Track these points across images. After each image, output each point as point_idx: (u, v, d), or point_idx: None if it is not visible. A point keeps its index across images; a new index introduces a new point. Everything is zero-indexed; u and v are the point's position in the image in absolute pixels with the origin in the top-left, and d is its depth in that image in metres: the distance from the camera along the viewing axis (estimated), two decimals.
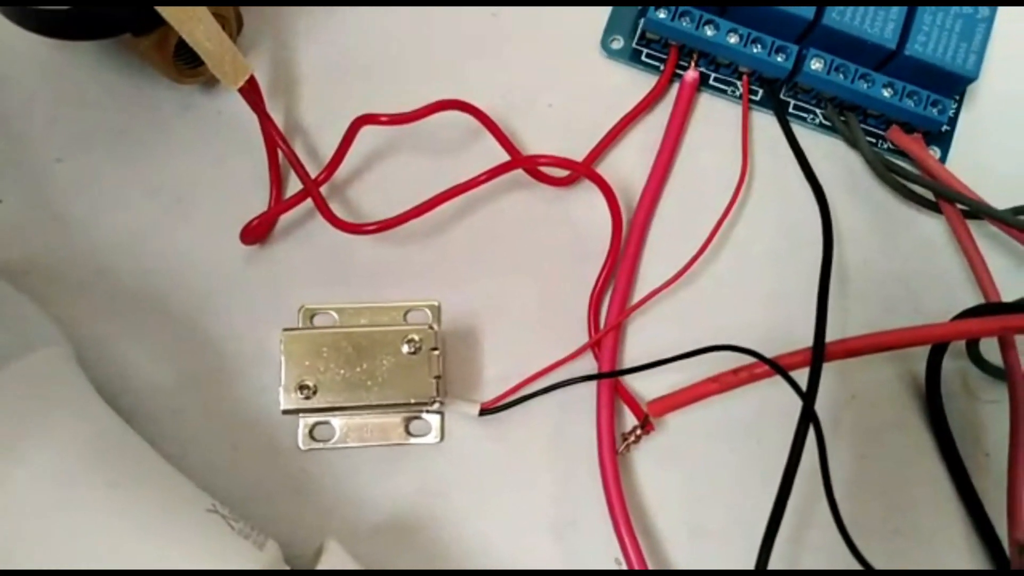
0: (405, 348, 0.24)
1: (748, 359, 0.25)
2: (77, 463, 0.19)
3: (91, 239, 0.27)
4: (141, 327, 0.26)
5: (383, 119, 0.25)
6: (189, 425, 0.26)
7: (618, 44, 0.29)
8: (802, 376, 0.24)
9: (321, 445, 0.26)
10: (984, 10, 0.27)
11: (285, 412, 0.24)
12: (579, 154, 0.28)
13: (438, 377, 0.24)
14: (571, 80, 0.29)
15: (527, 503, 0.26)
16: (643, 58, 0.29)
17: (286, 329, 0.24)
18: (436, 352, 0.24)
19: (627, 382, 0.27)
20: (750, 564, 0.26)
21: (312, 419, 0.26)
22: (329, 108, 0.28)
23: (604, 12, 0.29)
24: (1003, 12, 0.28)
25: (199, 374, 0.26)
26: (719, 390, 0.24)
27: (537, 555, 0.26)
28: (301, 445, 0.26)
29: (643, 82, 0.29)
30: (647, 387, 0.27)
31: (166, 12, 0.23)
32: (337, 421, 0.26)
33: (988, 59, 0.27)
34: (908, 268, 0.28)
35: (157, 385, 0.26)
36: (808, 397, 0.22)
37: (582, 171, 0.26)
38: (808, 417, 0.21)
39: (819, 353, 0.23)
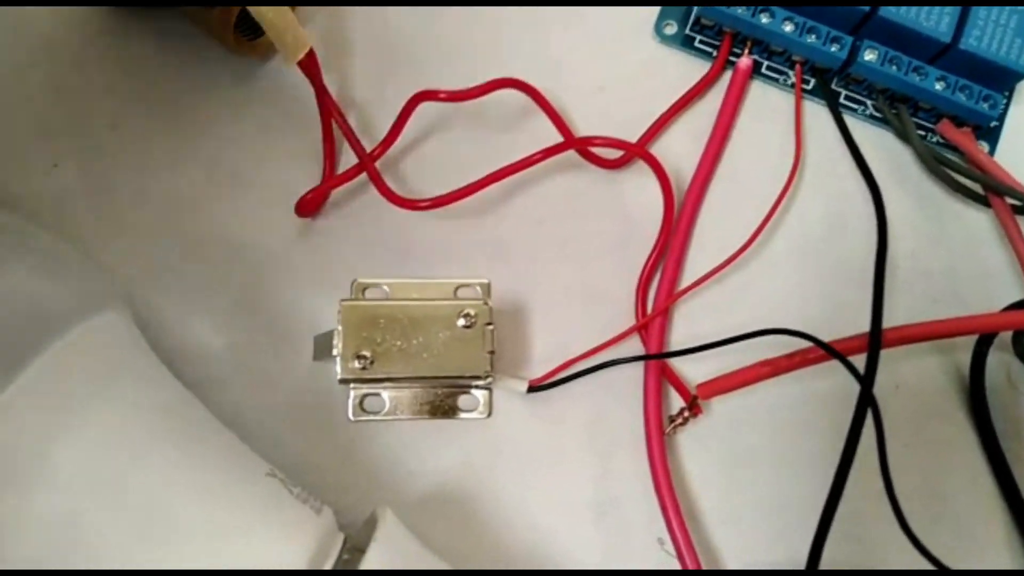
0: (460, 322, 0.24)
1: (799, 344, 0.25)
2: (143, 427, 0.20)
3: (145, 207, 0.27)
4: (194, 296, 0.27)
5: (442, 95, 0.25)
6: (240, 394, 0.26)
7: (671, 30, 0.29)
8: (854, 364, 0.24)
9: (370, 417, 0.26)
10: None
11: (342, 381, 0.24)
12: (629, 138, 0.28)
13: (492, 352, 0.25)
14: (623, 64, 0.29)
15: (571, 480, 0.27)
16: (696, 44, 0.29)
17: (344, 300, 0.25)
18: (491, 327, 0.25)
19: (673, 366, 0.27)
20: (792, 551, 0.26)
21: (363, 390, 0.26)
22: (382, 85, 0.28)
23: None
24: None
25: (251, 344, 0.26)
26: (771, 374, 0.24)
27: (579, 532, 0.26)
28: (351, 416, 0.26)
29: (695, 68, 0.29)
30: (691, 372, 0.27)
31: None
32: (387, 393, 0.27)
33: None
34: (955, 261, 0.29)
35: (210, 353, 0.26)
36: (866, 382, 0.22)
37: (636, 152, 0.26)
38: (866, 402, 0.21)
39: (876, 338, 0.23)
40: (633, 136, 0.28)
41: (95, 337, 0.20)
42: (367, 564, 0.20)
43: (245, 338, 0.27)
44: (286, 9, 0.25)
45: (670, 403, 0.27)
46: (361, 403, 0.27)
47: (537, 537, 0.26)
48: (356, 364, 0.24)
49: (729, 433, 0.27)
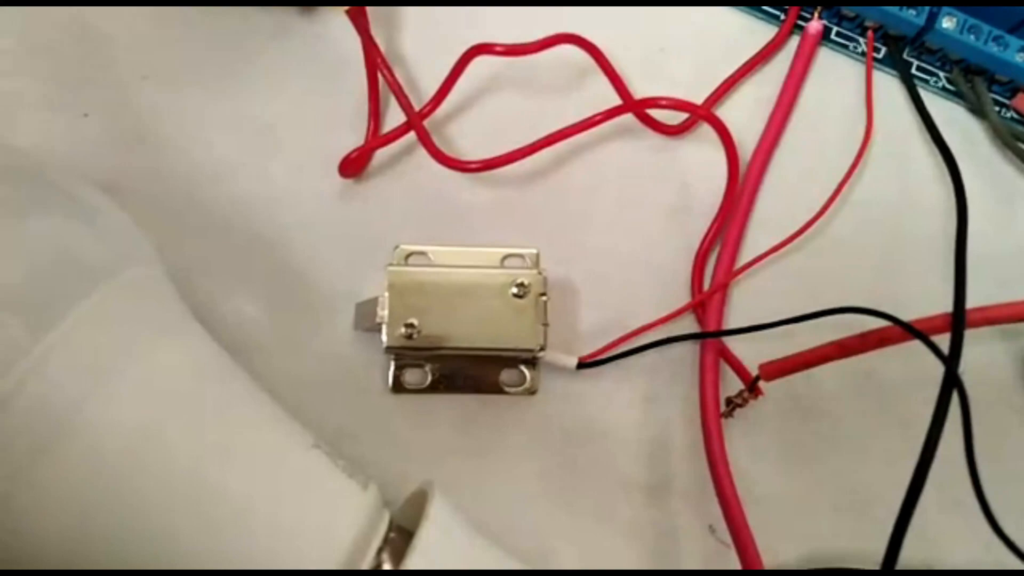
0: (512, 291, 0.23)
1: (867, 326, 0.23)
2: (181, 386, 0.18)
3: (179, 162, 0.26)
4: (230, 257, 0.25)
5: (498, 48, 0.24)
6: (276, 361, 0.25)
7: None
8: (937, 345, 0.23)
9: (412, 389, 0.25)
10: None
11: (388, 350, 0.23)
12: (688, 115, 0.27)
13: (545, 325, 0.23)
14: (686, 25, 0.28)
15: (620, 462, 0.25)
16: (763, 6, 0.27)
17: (391, 265, 0.23)
18: (544, 298, 0.23)
19: (730, 346, 0.26)
20: (854, 543, 0.25)
21: (404, 362, 0.25)
22: (432, 41, 0.27)
23: None
24: None
25: (290, 309, 0.25)
26: (841, 355, 0.23)
27: (628, 517, 0.25)
28: (391, 389, 0.25)
29: (761, 31, 0.28)
30: (748, 354, 0.26)
31: None
32: (428, 366, 0.25)
33: None
34: None
35: (245, 318, 0.25)
36: (952, 363, 0.20)
37: (702, 115, 0.24)
38: (952, 385, 0.20)
39: (960, 317, 0.21)
40: (694, 100, 0.27)
41: (130, 291, 0.19)
42: (421, 542, 0.19)
43: (281, 304, 0.25)
44: None
45: (727, 384, 0.26)
46: (401, 376, 0.25)
47: (583, 521, 0.25)
48: (403, 332, 0.23)
49: (789, 418, 0.26)
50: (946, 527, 0.26)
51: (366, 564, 0.19)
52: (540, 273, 0.23)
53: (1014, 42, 0.26)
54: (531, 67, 0.27)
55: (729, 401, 0.25)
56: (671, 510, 0.25)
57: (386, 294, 0.23)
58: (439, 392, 0.25)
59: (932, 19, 0.26)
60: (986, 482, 0.25)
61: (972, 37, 0.26)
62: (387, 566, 0.19)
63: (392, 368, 0.25)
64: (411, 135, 0.25)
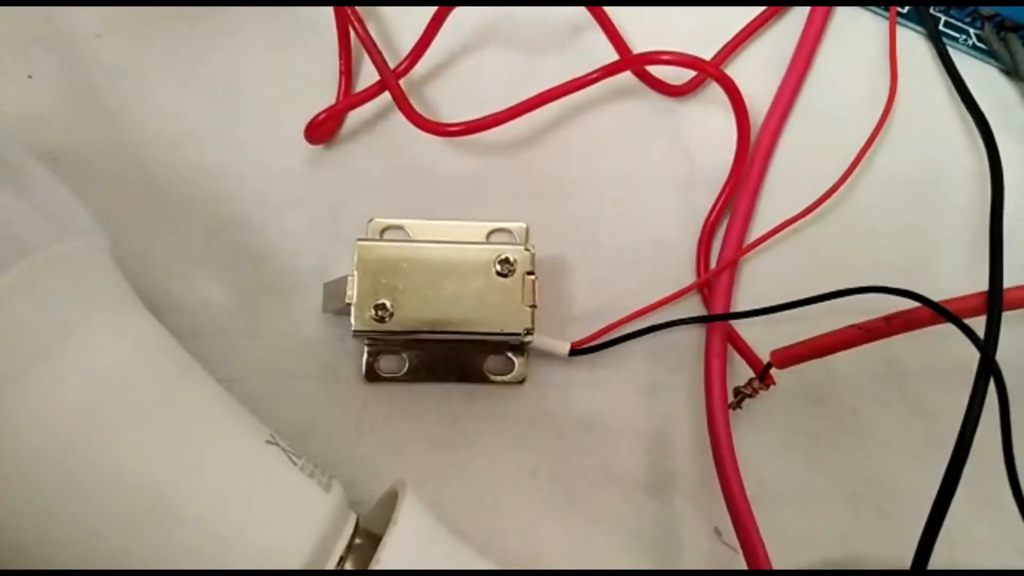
0: (496, 270, 0.21)
1: (887, 308, 0.21)
2: (123, 373, 0.16)
3: (132, 128, 0.23)
4: (185, 231, 0.23)
5: None
6: (238, 348, 0.22)
7: None
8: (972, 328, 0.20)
9: (387, 377, 0.23)
10: None
11: (357, 334, 0.21)
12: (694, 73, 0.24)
13: (533, 306, 0.21)
14: None
15: (619, 457, 0.23)
16: None
17: (360, 239, 0.21)
18: (532, 277, 0.21)
19: (738, 331, 0.24)
20: (878, 543, 0.23)
21: (378, 348, 0.23)
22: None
23: None
24: None
25: (251, 290, 0.23)
26: (864, 339, 0.20)
27: (625, 518, 0.23)
28: (364, 377, 0.23)
29: None
30: (758, 339, 0.24)
31: None
32: (405, 352, 0.23)
33: None
34: None
35: (203, 300, 0.23)
36: (987, 347, 0.18)
37: (710, 72, 0.22)
38: (988, 371, 0.18)
39: (997, 298, 0.19)
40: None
41: (66, 265, 0.16)
42: (385, 552, 0.17)
43: (243, 284, 0.23)
44: None
45: (735, 373, 0.23)
46: (376, 363, 0.23)
47: (577, 521, 0.23)
48: (373, 315, 0.20)
49: (802, 408, 0.24)
50: (975, 529, 0.23)
51: (336, 553, 0.17)
52: (528, 249, 0.21)
53: None
54: (519, 22, 0.24)
55: (738, 391, 0.22)
56: (673, 510, 0.23)
57: (355, 272, 0.20)
58: (417, 381, 0.23)
59: None
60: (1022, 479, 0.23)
61: None
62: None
63: (365, 354, 0.23)
64: (386, 96, 0.23)
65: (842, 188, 0.24)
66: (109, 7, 0.24)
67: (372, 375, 0.23)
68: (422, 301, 0.21)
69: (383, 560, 0.16)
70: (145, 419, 0.16)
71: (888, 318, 0.20)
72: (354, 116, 0.24)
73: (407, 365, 0.23)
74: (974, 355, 0.19)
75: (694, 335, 0.24)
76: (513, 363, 0.23)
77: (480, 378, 0.23)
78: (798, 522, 0.23)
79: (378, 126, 0.24)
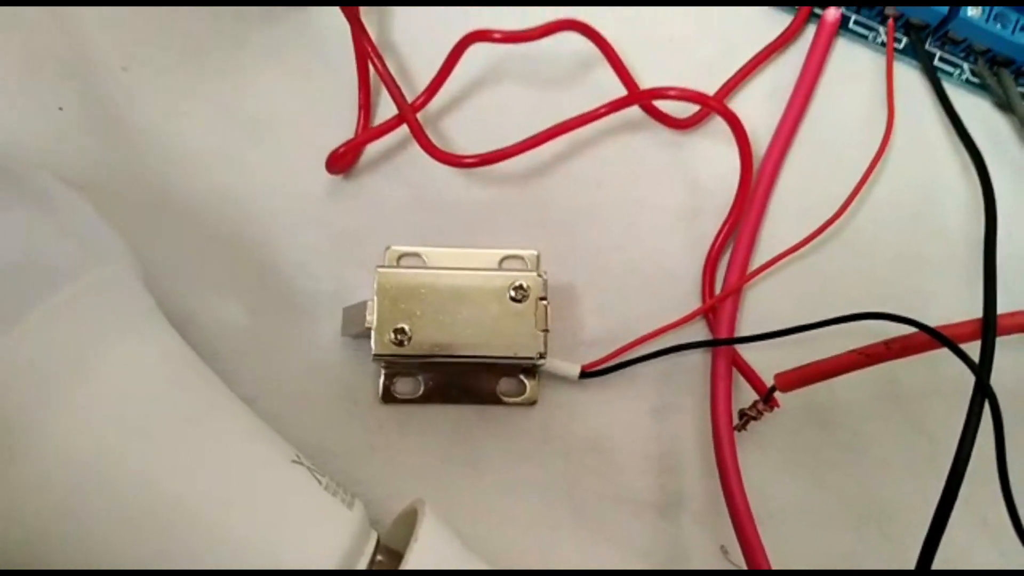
0: (510, 295, 0.22)
1: (887, 333, 0.22)
2: (148, 391, 0.17)
3: (158, 158, 0.24)
4: (209, 256, 0.24)
5: (496, 36, 0.22)
6: (257, 368, 0.23)
7: None
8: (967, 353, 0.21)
9: (403, 399, 0.24)
10: None
11: (376, 357, 0.21)
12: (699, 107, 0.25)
13: (546, 331, 0.22)
14: (695, 14, 0.26)
15: (627, 477, 0.24)
16: None
17: (380, 267, 0.22)
18: (545, 303, 0.22)
19: (743, 355, 0.24)
20: (880, 563, 0.23)
21: (395, 371, 0.24)
22: (425, 29, 0.25)
23: None
24: None
25: (271, 312, 0.24)
26: (865, 363, 0.21)
27: (634, 537, 0.23)
28: (381, 399, 0.24)
29: (775, 20, 0.26)
30: (762, 363, 0.24)
31: None
32: (421, 375, 0.24)
33: None
34: None
35: (224, 322, 0.23)
36: (982, 371, 0.19)
37: (714, 106, 0.23)
38: (983, 394, 0.18)
39: (991, 323, 0.20)
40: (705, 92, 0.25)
41: (100, 291, 0.17)
42: (408, 566, 0.17)
43: (263, 308, 0.24)
44: None
45: (740, 396, 0.24)
46: (392, 385, 0.24)
47: (587, 539, 0.23)
48: (392, 339, 0.21)
49: (805, 429, 0.24)
50: (972, 548, 0.24)
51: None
52: (540, 276, 0.22)
53: None
54: (531, 58, 0.25)
55: (743, 414, 0.23)
56: (681, 530, 0.24)
57: (375, 298, 0.21)
58: (432, 403, 0.24)
59: (956, 7, 0.25)
60: (1018, 500, 0.24)
61: (998, 26, 0.24)
62: None
63: (382, 377, 0.24)
64: (404, 129, 0.24)
65: (843, 217, 0.25)
66: (135, 41, 0.25)
67: (388, 397, 0.24)
68: (439, 326, 0.21)
69: (405, 567, 0.17)
70: (174, 434, 0.17)
71: (888, 343, 0.21)
72: (373, 147, 0.25)
73: (422, 388, 0.24)
74: (971, 378, 0.20)
75: (700, 359, 0.24)
76: (525, 386, 0.24)
77: (493, 400, 0.24)
78: (802, 541, 0.24)
79: (396, 157, 0.25)
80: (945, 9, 0.24)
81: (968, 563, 0.24)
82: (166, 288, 0.23)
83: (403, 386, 0.24)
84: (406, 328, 0.21)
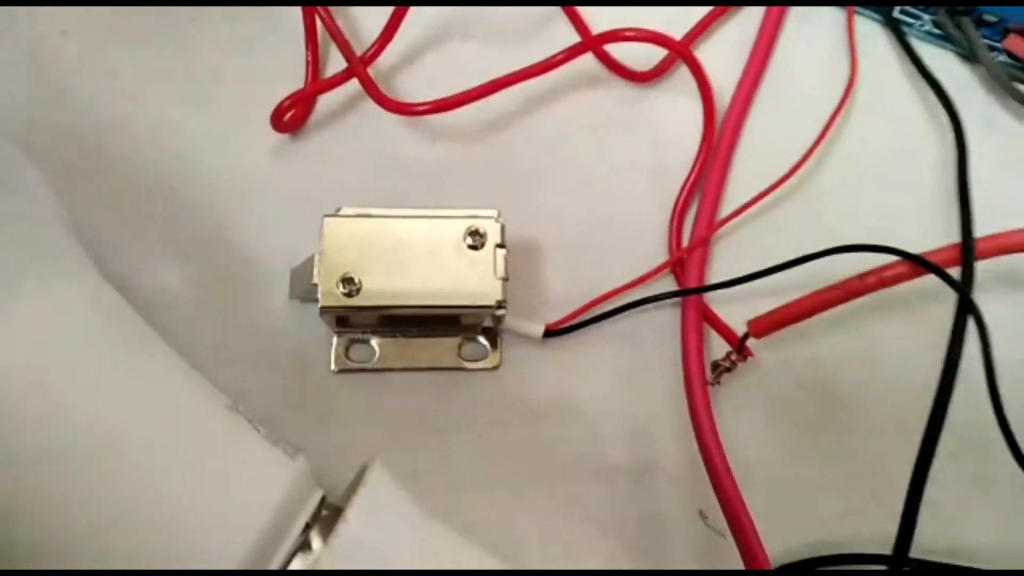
0: (468, 242, 0.20)
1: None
2: (72, 327, 0.15)
3: (96, 121, 0.23)
4: (151, 222, 0.22)
5: None
6: (204, 335, 0.22)
7: None
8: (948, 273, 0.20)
9: (358, 367, 0.22)
10: None
11: (324, 310, 0.20)
12: (659, 54, 0.24)
13: (505, 279, 0.20)
14: None
15: (597, 440, 0.22)
16: None
17: (328, 215, 0.20)
18: (503, 250, 0.21)
19: (713, 308, 0.23)
20: (869, 525, 0.22)
21: (348, 335, 0.22)
22: None
23: None
24: None
25: (217, 278, 0.22)
26: (840, 299, 0.20)
27: (605, 502, 0.22)
28: (333, 366, 0.22)
29: None
30: (733, 318, 0.23)
31: None
32: (376, 340, 0.22)
33: None
34: None
35: (167, 288, 0.22)
36: (964, 288, 0.18)
37: (677, 49, 0.22)
38: (966, 310, 0.17)
39: (969, 245, 0.19)
40: (663, 52, 0.24)
41: (17, 221, 0.16)
42: (351, 515, 0.16)
43: (209, 274, 0.22)
44: None
45: (712, 351, 0.23)
46: (346, 352, 0.22)
47: (557, 508, 0.22)
48: (341, 290, 0.20)
49: (785, 389, 0.23)
50: (966, 504, 0.23)
51: (290, 541, 0.16)
52: (499, 221, 0.21)
53: None
54: (487, 13, 0.24)
55: (716, 365, 0.22)
56: (656, 494, 0.22)
57: (322, 248, 0.20)
58: (389, 370, 0.22)
59: None
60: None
61: None
62: (316, 544, 0.16)
63: (335, 344, 0.22)
64: (355, 88, 0.23)
65: (811, 168, 0.24)
66: (75, 7, 0.24)
67: (342, 365, 0.22)
68: (391, 275, 0.20)
69: (350, 518, 0.16)
70: (99, 372, 0.15)
71: (863, 275, 0.20)
72: (323, 107, 0.24)
73: (378, 353, 0.22)
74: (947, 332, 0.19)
75: (669, 315, 0.23)
76: (487, 348, 0.23)
77: (453, 365, 0.22)
78: (788, 501, 0.22)
79: (347, 115, 0.24)
80: None
81: (962, 519, 0.22)
82: (105, 254, 0.22)
83: (358, 353, 0.22)
84: (355, 278, 0.20)
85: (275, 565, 0.15)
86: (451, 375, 0.22)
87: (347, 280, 0.20)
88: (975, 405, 0.20)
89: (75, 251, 0.17)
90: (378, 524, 0.16)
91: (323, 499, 0.17)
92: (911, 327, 0.24)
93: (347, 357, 0.22)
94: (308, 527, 0.16)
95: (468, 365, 0.22)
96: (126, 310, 0.17)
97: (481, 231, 0.20)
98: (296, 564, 0.16)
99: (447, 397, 0.22)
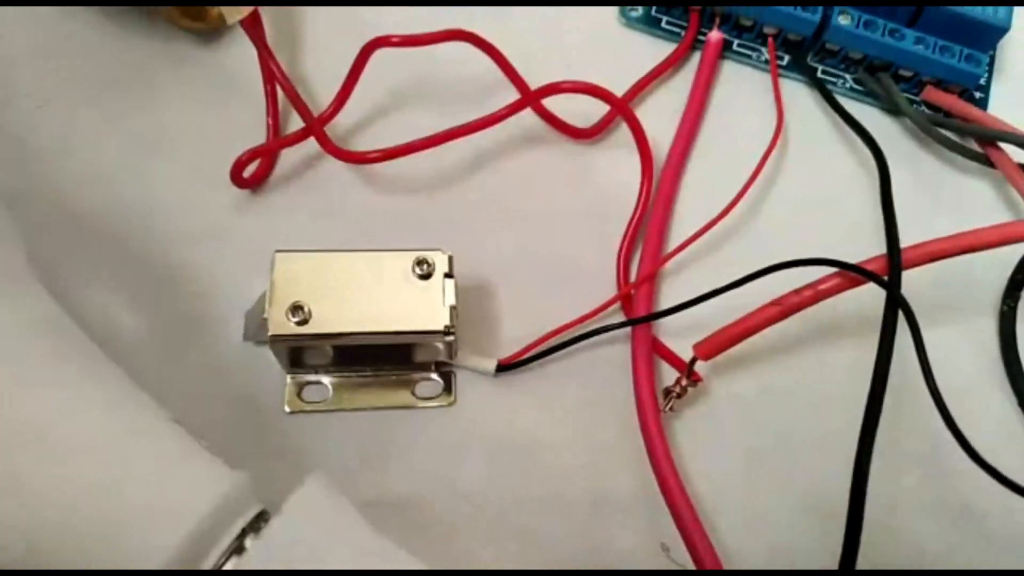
0: (416, 272, 0.21)
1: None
2: (19, 338, 0.16)
3: (59, 177, 0.24)
4: (108, 270, 0.23)
5: (394, 39, 0.23)
6: (157, 376, 0.21)
7: (636, 13, 0.28)
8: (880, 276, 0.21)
9: (311, 408, 0.22)
10: None
11: (274, 340, 0.20)
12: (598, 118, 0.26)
13: (453, 307, 0.21)
14: (589, 49, 0.28)
15: (553, 476, 0.22)
16: (663, 25, 0.28)
17: (279, 250, 0.21)
18: (451, 280, 0.21)
19: (663, 341, 0.24)
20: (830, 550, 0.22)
21: (301, 377, 0.22)
22: (333, 61, 0.26)
23: None
24: None
25: (172, 321, 0.23)
26: (779, 316, 0.21)
27: (566, 538, 0.22)
28: (287, 407, 0.22)
29: (664, 50, 0.27)
30: (684, 348, 0.23)
31: None
32: (329, 380, 0.23)
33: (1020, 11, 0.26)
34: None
35: (122, 330, 0.22)
36: (891, 285, 0.18)
37: (615, 103, 0.24)
38: (895, 304, 0.18)
39: (894, 246, 0.20)
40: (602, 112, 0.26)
41: None
42: (284, 510, 0.16)
43: (164, 318, 0.23)
44: None
45: (664, 383, 0.23)
46: (299, 393, 0.22)
47: (514, 547, 0.21)
48: (291, 319, 0.20)
49: (738, 419, 0.23)
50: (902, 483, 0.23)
51: (225, 542, 0.15)
52: (445, 253, 0.21)
53: (910, 34, 0.26)
54: (438, 80, 0.26)
55: (667, 392, 0.22)
56: (614, 528, 0.22)
57: (271, 281, 0.21)
58: (343, 409, 0.22)
59: (827, 17, 0.26)
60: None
61: (869, 32, 0.26)
62: (249, 547, 0.16)
63: (288, 383, 0.22)
64: (313, 149, 0.24)
65: (753, 208, 0.25)
66: (52, 82, 0.25)
67: (295, 406, 0.22)
68: (341, 305, 0.21)
69: (283, 512, 0.15)
70: (46, 372, 0.15)
71: (798, 290, 0.21)
72: (283, 167, 0.25)
73: (331, 394, 0.22)
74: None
75: (620, 351, 0.24)
76: (440, 385, 0.23)
77: (408, 404, 0.23)
78: (748, 526, 0.22)
79: (305, 174, 0.25)
80: (817, 18, 0.26)
81: (903, 503, 0.22)
82: (59, 297, 0.22)
83: (311, 394, 0.22)
84: (304, 307, 0.20)
85: (207, 566, 0.15)
86: (406, 413, 0.23)
87: (296, 308, 0.20)
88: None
89: (31, 283, 0.18)
90: (309, 524, 0.16)
91: (263, 512, 0.17)
92: (859, 350, 0.24)
93: (300, 398, 0.22)
94: (244, 533, 0.16)
95: (422, 404, 0.23)
96: (68, 325, 0.17)
97: (429, 261, 0.21)
98: (230, 566, 0.15)
99: (401, 435, 0.22)
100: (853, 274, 0.20)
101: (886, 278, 0.19)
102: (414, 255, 0.21)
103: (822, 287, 0.20)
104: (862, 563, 0.19)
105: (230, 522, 0.16)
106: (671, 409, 0.22)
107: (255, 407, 0.22)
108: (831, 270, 0.20)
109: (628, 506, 0.22)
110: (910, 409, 0.23)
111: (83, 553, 0.14)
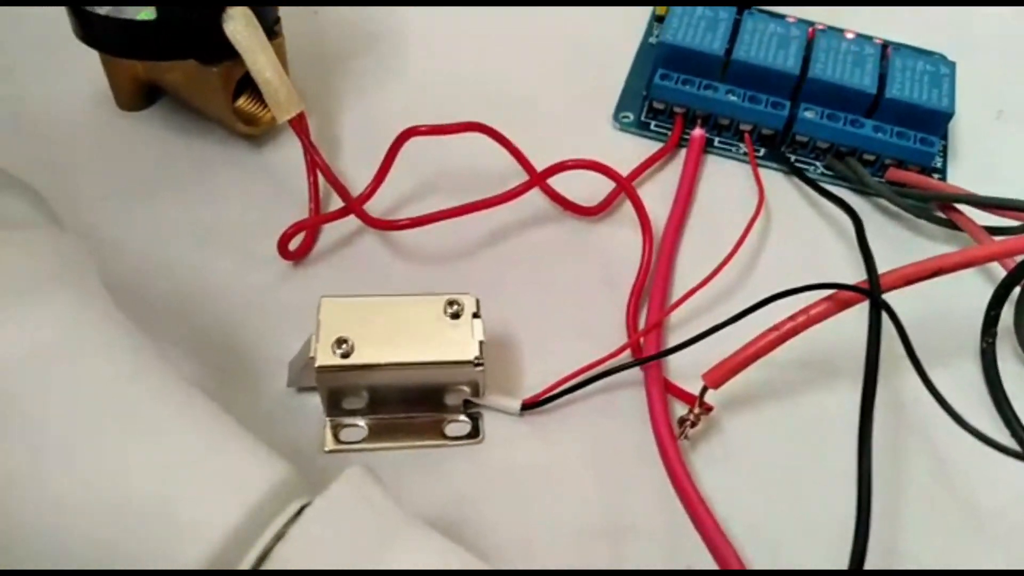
0: (448, 311, 0.23)
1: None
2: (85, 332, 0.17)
3: (117, 263, 0.27)
4: (165, 333, 0.25)
5: (423, 129, 0.27)
6: None
7: (628, 119, 0.32)
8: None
9: (348, 448, 0.24)
10: (943, 66, 0.31)
11: (321, 371, 0.22)
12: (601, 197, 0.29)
13: (482, 342, 0.23)
14: (587, 145, 0.31)
15: (577, 507, 0.23)
16: (652, 128, 0.32)
17: (324, 296, 0.24)
18: (478, 320, 0.23)
19: (674, 380, 0.26)
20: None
21: (339, 420, 0.24)
22: (370, 157, 0.30)
23: (616, 91, 0.33)
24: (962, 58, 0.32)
25: (222, 370, 0.25)
26: (781, 339, 0.23)
27: (591, 567, 0.22)
28: (326, 447, 0.24)
29: (654, 148, 0.31)
30: (694, 387, 0.25)
31: (234, 33, 0.26)
32: (364, 421, 0.24)
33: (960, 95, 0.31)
34: (933, 304, 0.28)
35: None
36: (874, 291, 0.21)
37: (620, 181, 0.27)
38: (878, 308, 0.20)
39: (872, 269, 0.22)
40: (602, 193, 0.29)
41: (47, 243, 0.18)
42: (317, 503, 0.17)
43: (215, 367, 0.25)
44: (281, 68, 0.27)
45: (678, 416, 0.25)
46: (337, 435, 0.24)
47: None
48: (337, 351, 0.22)
49: (751, 451, 0.25)
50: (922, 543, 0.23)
51: (273, 528, 0.16)
52: (474, 296, 0.24)
53: (868, 123, 0.30)
54: (456, 173, 0.30)
55: (682, 420, 0.24)
56: (640, 552, 0.23)
57: (318, 323, 0.23)
58: (377, 448, 0.24)
59: (794, 113, 0.31)
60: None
61: (832, 123, 0.30)
62: None
63: (328, 425, 0.24)
64: (349, 227, 0.28)
65: (743, 270, 0.28)
66: (115, 187, 0.29)
67: (333, 446, 0.24)
68: (381, 340, 0.23)
69: (316, 504, 0.17)
70: (116, 366, 0.17)
71: (792, 316, 0.23)
72: (324, 243, 0.28)
73: (366, 433, 0.24)
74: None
75: (633, 394, 0.25)
76: (468, 425, 0.24)
77: (438, 442, 0.24)
78: (770, 559, 0.23)
79: (344, 251, 0.28)
80: (786, 113, 0.30)
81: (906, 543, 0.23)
82: None
83: (347, 435, 0.24)
84: (348, 341, 0.22)
85: (254, 553, 0.16)
86: (436, 451, 0.24)
87: (341, 342, 0.22)
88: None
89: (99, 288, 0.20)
90: (347, 512, 0.17)
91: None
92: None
93: (338, 439, 0.24)
94: (291, 521, 0.17)
95: (451, 444, 0.24)
96: (131, 331, 0.19)
97: (459, 302, 0.24)
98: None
99: (431, 472, 0.24)
100: (841, 296, 0.22)
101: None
102: (445, 298, 0.24)
103: (813, 311, 0.23)
104: None
105: (279, 509, 0.17)
106: (686, 437, 0.24)
107: (295, 448, 0.24)
108: (822, 294, 0.23)
109: (651, 531, 0.23)
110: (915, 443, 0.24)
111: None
